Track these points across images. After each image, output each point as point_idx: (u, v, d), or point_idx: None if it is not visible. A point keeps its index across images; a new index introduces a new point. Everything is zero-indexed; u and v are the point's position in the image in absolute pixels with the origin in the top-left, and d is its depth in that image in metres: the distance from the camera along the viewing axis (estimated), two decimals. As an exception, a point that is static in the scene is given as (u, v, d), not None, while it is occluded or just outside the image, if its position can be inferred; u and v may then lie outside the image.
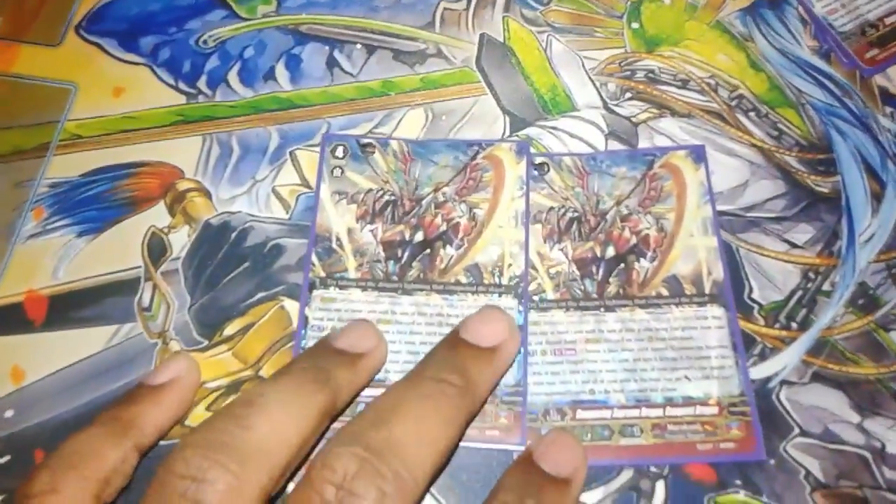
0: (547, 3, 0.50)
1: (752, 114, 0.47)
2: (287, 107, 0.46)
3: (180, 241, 0.43)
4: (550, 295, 0.41)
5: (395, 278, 0.41)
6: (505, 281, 0.41)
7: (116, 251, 0.42)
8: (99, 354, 0.40)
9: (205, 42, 0.48)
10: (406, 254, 0.42)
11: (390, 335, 0.40)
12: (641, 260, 0.42)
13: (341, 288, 0.41)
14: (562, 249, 0.43)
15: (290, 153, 0.45)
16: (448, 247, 0.42)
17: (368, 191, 0.43)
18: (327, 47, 0.48)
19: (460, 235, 0.42)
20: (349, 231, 0.42)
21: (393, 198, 0.43)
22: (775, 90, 0.47)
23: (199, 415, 0.39)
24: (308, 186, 0.44)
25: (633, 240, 0.43)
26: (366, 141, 0.44)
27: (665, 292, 0.41)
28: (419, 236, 0.42)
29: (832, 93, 0.47)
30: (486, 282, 0.41)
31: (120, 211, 0.44)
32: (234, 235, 0.43)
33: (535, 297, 0.41)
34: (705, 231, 0.43)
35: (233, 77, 0.47)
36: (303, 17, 0.49)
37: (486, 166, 0.44)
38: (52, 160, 0.45)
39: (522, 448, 0.38)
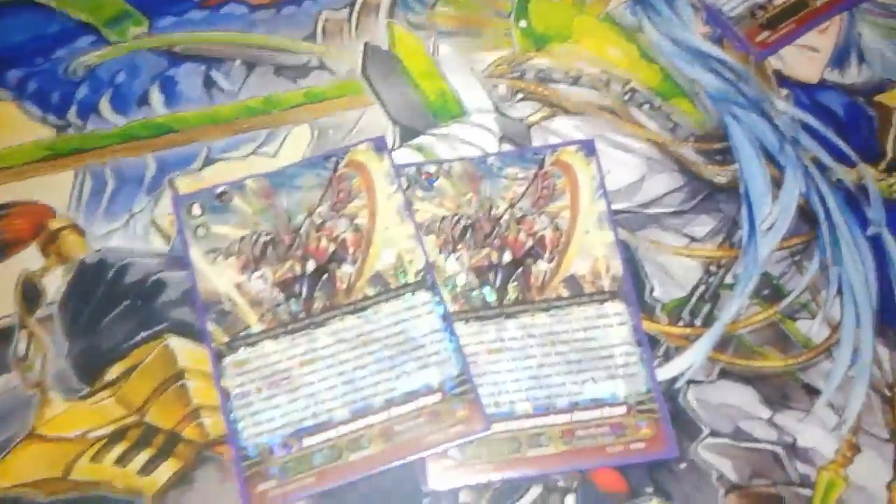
0: (433, 5, 0.48)
1: (645, 106, 0.46)
2: (163, 132, 0.44)
3: (55, 283, 0.41)
4: (450, 306, 0.40)
5: (301, 315, 0.39)
6: (412, 279, 0.40)
7: (-13, 299, 0.40)
8: (-28, 411, 0.38)
9: (74, 71, 0.46)
10: (304, 287, 0.40)
11: (315, 374, 0.38)
12: (539, 262, 0.41)
13: (250, 345, 0.38)
14: (458, 259, 0.41)
15: (169, 181, 0.43)
16: (344, 265, 0.40)
17: (242, 239, 0.41)
18: (203, 66, 0.46)
19: (351, 251, 0.41)
20: (237, 286, 0.40)
21: (269, 237, 0.41)
22: (668, 81, 0.46)
23: (84, 467, 0.37)
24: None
25: (530, 242, 0.42)
26: (220, 190, 0.42)
27: (565, 293, 0.40)
28: (311, 265, 0.40)
29: (726, 79, 0.47)
30: (392, 286, 0.39)
31: (-12, 256, 0.41)
32: (111, 273, 0.41)
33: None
34: (601, 226, 0.42)
35: (104, 105, 0.45)
36: (176, 36, 0.47)
37: (351, 174, 0.42)
38: (-87, 208, 0.42)
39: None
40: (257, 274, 0.40)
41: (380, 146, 0.43)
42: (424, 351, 0.38)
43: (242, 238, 0.41)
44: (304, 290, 0.40)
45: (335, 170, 0.42)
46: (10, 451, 0.37)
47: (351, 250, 0.41)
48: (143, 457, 0.37)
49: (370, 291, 0.40)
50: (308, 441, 0.37)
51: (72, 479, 0.37)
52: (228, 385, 0.38)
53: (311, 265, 0.40)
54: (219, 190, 0.42)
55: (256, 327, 0.39)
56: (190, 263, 0.40)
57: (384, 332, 0.39)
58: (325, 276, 0.40)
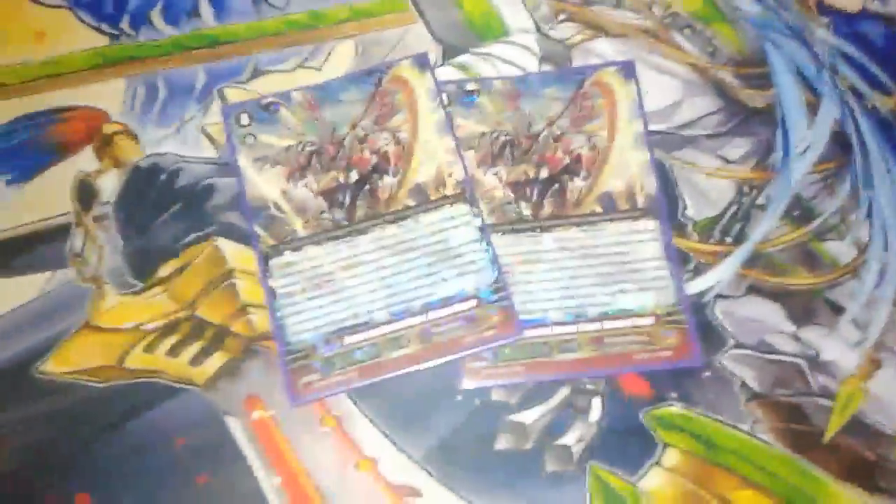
0: (478, -75, 0.49)
1: (686, 30, 0.46)
2: (213, 43, 0.46)
3: (110, 185, 0.42)
4: (487, 219, 0.41)
5: (344, 223, 0.40)
6: (450, 191, 0.41)
7: (45, 198, 0.42)
8: (34, 302, 0.40)
9: (127, -20, 0.47)
10: (347, 196, 0.41)
11: (357, 278, 0.40)
12: (575, 179, 0.42)
13: (295, 250, 0.40)
14: (496, 174, 0.42)
15: (218, 91, 0.44)
16: (385, 176, 0.42)
17: (288, 148, 0.42)
18: (253, -21, 0.47)
19: (392, 163, 0.42)
20: (283, 193, 0.41)
21: (314, 147, 0.42)
22: (709, 5, 0.47)
23: (137, 356, 0.39)
24: (239, 124, 0.43)
25: (567, 159, 0.43)
26: (267, 101, 0.43)
27: (599, 209, 0.41)
28: (354, 175, 0.42)
29: (767, 5, 0.47)
30: (433, 198, 0.41)
31: (47, 157, 0.43)
32: (164, 177, 0.42)
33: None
34: (637, 146, 0.43)
35: (156, 15, 0.46)
36: (227, -50, 0.48)
37: (394, 89, 0.43)
38: (-26, 109, 0.44)
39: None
40: (302, 182, 0.42)
41: (422, 62, 0.44)
42: (462, 260, 0.40)
43: (288, 147, 0.42)
44: (347, 198, 0.41)
45: (379, 85, 0.44)
46: (67, 339, 0.40)
47: (392, 162, 0.42)
48: (193, 348, 0.39)
49: (410, 202, 0.41)
50: (349, 339, 0.39)
51: (126, 368, 0.39)
52: (275, 285, 0.40)
53: (353, 175, 0.42)
54: (266, 100, 0.43)
55: (301, 232, 0.41)
56: (238, 170, 0.42)
57: (424, 241, 0.40)
58: (367, 186, 0.42)
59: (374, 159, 0.42)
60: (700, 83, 0.45)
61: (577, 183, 0.42)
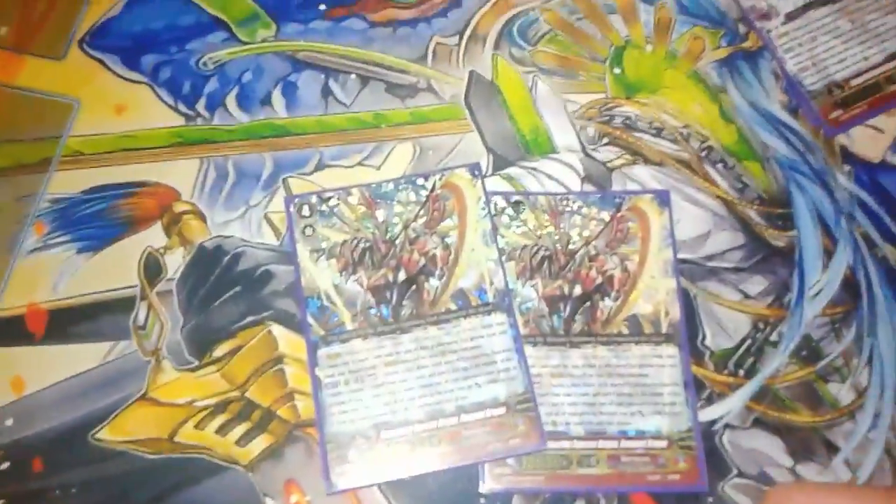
0: (535, 43, 0.52)
1: (719, 165, 0.50)
2: (282, 134, 0.49)
3: (175, 262, 0.45)
4: (521, 329, 0.44)
5: (390, 320, 0.44)
6: (491, 299, 0.44)
7: (114, 269, 0.45)
8: (95, 369, 0.43)
9: (204, 64, 0.50)
10: (394, 295, 0.44)
11: (397, 374, 0.43)
12: (606, 299, 0.46)
13: (343, 342, 0.43)
14: (533, 286, 0.46)
15: (283, 180, 0.48)
16: (431, 278, 0.45)
17: (343, 243, 0.45)
18: (323, 76, 0.50)
19: (439, 266, 0.45)
20: (335, 286, 0.44)
21: (367, 244, 0.45)
22: (743, 142, 0.50)
23: (188, 432, 0.42)
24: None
25: (599, 279, 0.46)
26: (327, 195, 0.46)
27: (626, 330, 0.45)
28: (402, 275, 0.45)
29: (796, 148, 0.50)
30: (473, 304, 0.44)
31: (118, 229, 0.46)
32: (226, 259, 0.45)
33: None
34: (665, 273, 0.46)
35: (231, 101, 0.49)
36: (300, 43, 0.51)
37: (446, 194, 0.47)
38: (54, 175, 0.47)
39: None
40: (354, 277, 0.45)
41: (475, 172, 0.47)
42: (496, 367, 0.43)
43: (344, 242, 0.46)
44: (394, 297, 0.45)
45: (432, 189, 0.47)
46: (125, 409, 0.43)
47: (439, 266, 0.45)
48: (241, 429, 0.43)
49: (452, 306, 0.44)
50: (386, 434, 0.42)
51: (177, 442, 0.42)
52: (321, 374, 0.43)
53: (402, 275, 0.45)
54: (327, 195, 0.46)
55: (349, 325, 0.44)
56: (295, 259, 0.45)
57: (461, 345, 0.44)
58: (414, 286, 0.45)
59: (423, 261, 0.45)
60: (727, 217, 0.48)
61: (608, 303, 0.45)
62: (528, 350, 0.44)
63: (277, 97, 0.50)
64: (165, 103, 0.49)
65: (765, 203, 0.49)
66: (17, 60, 0.50)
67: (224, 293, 0.45)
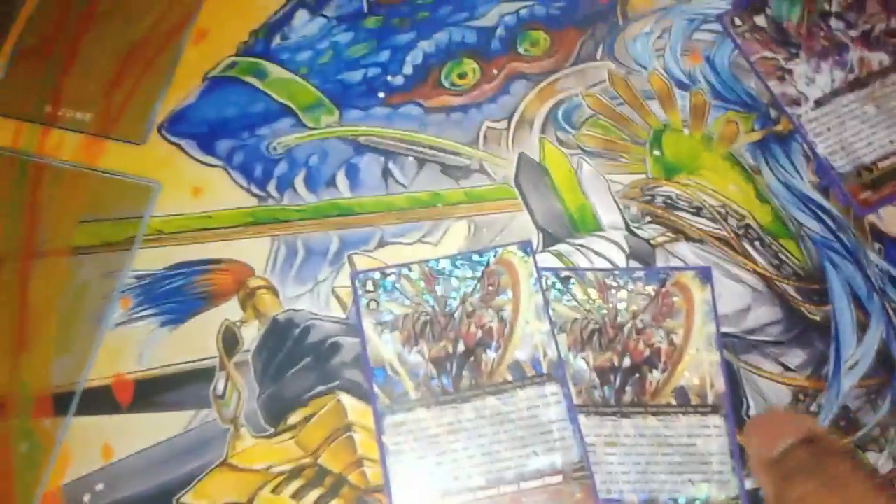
0: (579, 127, 0.56)
1: (757, 243, 0.53)
2: (346, 213, 0.52)
3: (251, 334, 0.49)
4: (574, 399, 0.47)
5: (451, 390, 0.47)
6: (545, 370, 0.47)
7: (195, 341, 0.48)
8: (179, 437, 0.46)
9: (274, 148, 0.54)
10: (454, 365, 0.47)
11: (458, 443, 0.46)
12: (654, 371, 0.48)
13: (407, 410, 0.46)
14: (584, 358, 0.48)
15: (349, 257, 0.51)
16: (488, 350, 0.48)
17: (405, 316, 0.49)
18: (383, 158, 0.54)
19: (495, 339, 0.48)
20: (398, 356, 0.48)
21: (428, 317, 0.49)
22: (778, 221, 0.54)
23: (265, 497, 0.45)
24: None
25: (647, 352, 0.49)
26: (390, 271, 0.50)
27: (674, 401, 0.48)
28: (461, 347, 0.48)
29: (828, 227, 0.53)
30: (528, 375, 0.47)
31: (198, 304, 0.49)
32: (297, 332, 0.49)
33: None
34: (710, 346, 0.49)
35: (299, 183, 0.53)
36: (362, 128, 0.55)
37: (500, 270, 0.50)
38: (137, 253, 0.50)
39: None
40: (416, 348, 0.48)
41: (526, 249, 0.51)
42: (552, 436, 0.46)
43: (406, 315, 0.49)
44: (454, 368, 0.48)
45: (487, 265, 0.50)
46: (207, 474, 0.45)
47: (495, 338, 0.48)
48: (314, 494, 0.45)
49: (509, 377, 0.47)
50: (449, 500, 0.45)
51: (254, 508, 0.45)
52: (387, 441, 0.46)
53: (460, 347, 0.48)
54: (389, 271, 0.50)
55: (413, 395, 0.47)
56: (361, 331, 0.48)
57: (518, 414, 0.46)
58: (472, 358, 0.48)
59: (480, 334, 0.48)
60: (766, 293, 0.51)
61: (656, 374, 0.48)
62: (582, 420, 0.47)
63: (341, 178, 0.53)
64: (239, 185, 0.53)
65: (801, 279, 0.52)
66: (100, 144, 0.54)
67: (296, 364, 0.48)
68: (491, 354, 0.48)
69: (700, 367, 0.48)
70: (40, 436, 0.46)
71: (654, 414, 0.47)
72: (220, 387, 0.47)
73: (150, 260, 0.50)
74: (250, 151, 0.54)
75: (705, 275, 0.51)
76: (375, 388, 0.47)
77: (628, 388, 0.48)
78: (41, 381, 0.47)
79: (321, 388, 0.47)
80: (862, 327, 0.51)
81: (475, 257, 0.50)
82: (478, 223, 0.52)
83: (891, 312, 0.51)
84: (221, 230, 0.51)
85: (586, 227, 0.53)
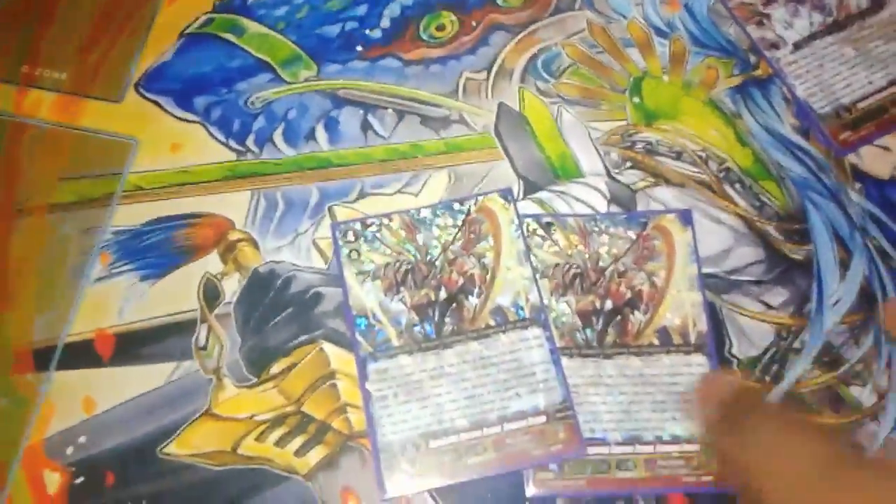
0: (559, 76, 0.56)
1: (737, 185, 0.53)
2: (326, 165, 0.52)
3: (232, 286, 0.48)
4: (557, 342, 0.47)
5: (433, 336, 0.47)
6: (527, 315, 0.47)
7: (176, 294, 0.48)
8: (161, 388, 0.46)
9: (252, 103, 0.54)
10: (436, 313, 0.47)
11: (442, 387, 0.46)
12: (636, 312, 0.48)
13: (390, 357, 0.46)
14: (566, 302, 0.48)
15: (329, 208, 0.51)
16: (470, 297, 0.48)
17: (386, 265, 0.49)
18: (362, 111, 0.54)
19: (477, 285, 0.48)
20: (381, 305, 0.48)
21: (409, 266, 0.49)
22: (759, 164, 0.53)
23: (249, 445, 0.45)
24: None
25: (629, 294, 0.49)
26: (370, 221, 0.50)
27: (656, 342, 0.48)
28: (443, 294, 0.48)
29: (809, 168, 0.53)
30: (511, 320, 0.47)
31: (178, 258, 0.49)
32: (279, 283, 0.49)
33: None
34: (691, 287, 0.49)
35: (278, 137, 0.53)
36: (340, 82, 0.55)
37: (481, 218, 0.50)
38: (117, 209, 0.50)
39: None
40: (398, 297, 0.48)
41: (507, 196, 0.51)
42: (535, 378, 0.46)
43: (387, 264, 0.49)
44: (436, 315, 0.48)
45: (468, 213, 0.50)
46: (190, 424, 0.45)
47: (477, 285, 0.48)
48: (298, 441, 0.45)
49: (491, 322, 0.47)
50: (434, 443, 0.45)
51: (239, 454, 0.45)
52: (371, 388, 0.46)
53: (442, 294, 0.48)
54: (369, 221, 0.50)
55: (395, 342, 0.47)
56: (343, 281, 0.48)
57: (501, 358, 0.46)
58: (454, 304, 0.48)
59: (462, 280, 0.48)
60: (748, 234, 0.51)
61: (638, 316, 0.48)
62: (565, 361, 0.47)
63: (321, 132, 0.53)
64: (217, 140, 0.53)
65: (782, 220, 0.52)
66: (78, 103, 0.53)
67: (278, 314, 0.48)
68: (473, 301, 0.48)
69: (682, 307, 0.48)
70: (22, 391, 0.46)
71: (636, 354, 0.47)
72: (202, 338, 0.47)
73: (130, 216, 0.50)
74: (228, 107, 0.54)
75: (686, 217, 0.51)
76: (358, 337, 0.47)
77: (611, 330, 0.48)
78: (23, 338, 0.47)
79: (304, 337, 0.47)
80: (844, 265, 0.51)
81: (456, 206, 0.50)
82: (458, 173, 0.52)
83: (872, 249, 0.51)
84: (201, 185, 0.51)
85: (567, 173, 0.53)
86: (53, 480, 0.44)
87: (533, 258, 0.49)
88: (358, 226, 0.50)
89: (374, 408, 0.45)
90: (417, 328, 0.47)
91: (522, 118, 0.54)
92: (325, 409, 0.46)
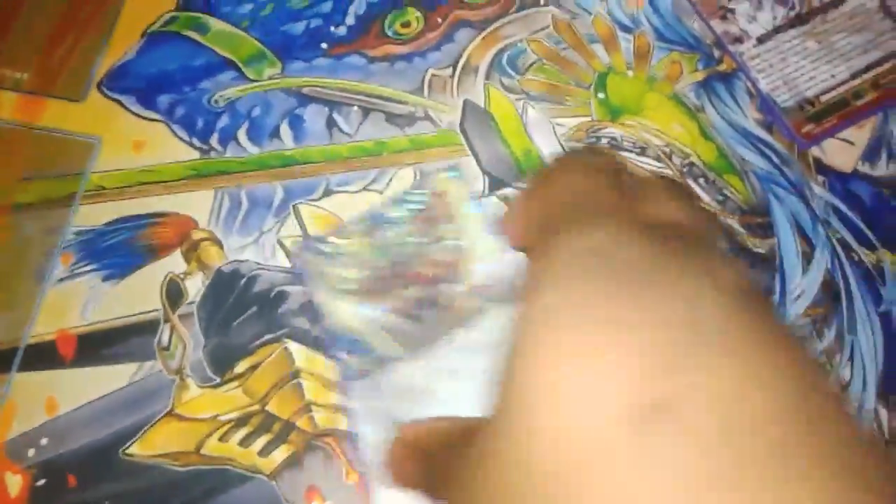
0: (524, 72, 0.56)
1: (701, 180, 0.53)
2: (291, 163, 0.52)
3: (195, 286, 0.48)
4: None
5: (421, 336, 0.45)
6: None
7: (138, 295, 0.48)
8: (124, 389, 0.46)
9: (216, 101, 0.54)
10: (420, 310, 0.46)
11: (442, 383, 0.45)
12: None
13: (381, 368, 0.46)
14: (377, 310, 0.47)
15: (293, 207, 0.51)
16: (450, 284, 0.47)
17: (356, 276, 0.47)
18: (327, 108, 0.54)
19: (453, 270, 0.47)
20: (361, 318, 0.46)
21: (378, 270, 0.47)
22: (722, 158, 0.54)
23: (212, 445, 0.45)
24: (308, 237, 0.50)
25: (432, 271, 0.48)
26: (326, 240, 0.48)
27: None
28: (420, 290, 0.47)
29: (772, 162, 0.54)
30: (497, 293, 0.46)
31: (141, 258, 0.49)
32: (243, 282, 0.48)
33: None
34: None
35: (242, 135, 0.53)
36: (305, 79, 0.55)
37: (434, 203, 0.49)
38: (79, 209, 0.50)
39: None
40: (375, 305, 0.47)
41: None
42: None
43: (356, 275, 0.48)
44: (421, 312, 0.47)
45: (420, 201, 0.50)
46: (153, 425, 0.45)
47: (453, 270, 0.48)
48: (262, 440, 0.45)
49: (478, 303, 0.47)
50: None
51: (203, 454, 0.45)
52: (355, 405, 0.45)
53: (420, 290, 0.48)
54: (326, 240, 0.48)
55: (390, 351, 0.46)
56: (318, 306, 0.47)
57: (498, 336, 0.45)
58: (436, 297, 0.47)
59: (434, 271, 0.48)
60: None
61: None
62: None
63: (285, 130, 0.53)
64: (181, 139, 0.52)
65: (745, 213, 0.52)
66: (39, 103, 0.53)
67: (242, 314, 0.48)
68: (454, 287, 0.47)
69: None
70: (-17, 393, 0.45)
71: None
72: (165, 338, 0.47)
73: (92, 215, 0.50)
74: (192, 105, 0.53)
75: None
76: (344, 356, 0.46)
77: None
78: (-17, 339, 0.47)
79: (268, 336, 0.47)
80: (807, 258, 0.51)
81: (408, 197, 0.50)
82: (424, 170, 0.52)
83: (835, 243, 0.51)
84: (164, 184, 0.51)
85: (532, 169, 0.53)
86: (15, 483, 0.44)
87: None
88: (316, 244, 0.49)
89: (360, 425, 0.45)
90: (404, 331, 0.47)
91: (487, 114, 0.54)
92: (290, 408, 0.46)
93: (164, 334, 0.47)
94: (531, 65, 0.56)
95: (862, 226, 0.52)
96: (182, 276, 0.48)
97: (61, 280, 0.48)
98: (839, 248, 0.51)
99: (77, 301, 0.48)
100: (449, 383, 0.45)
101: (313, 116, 0.54)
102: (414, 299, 0.47)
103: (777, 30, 0.57)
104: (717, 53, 0.57)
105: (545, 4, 0.58)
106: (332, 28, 0.56)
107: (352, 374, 0.45)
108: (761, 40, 0.57)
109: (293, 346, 0.47)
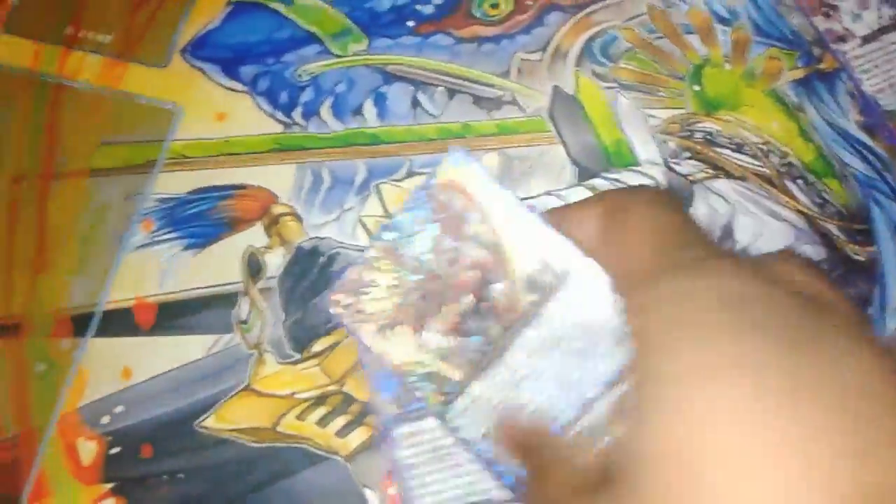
0: (616, 60, 0.54)
1: (799, 181, 0.51)
2: (374, 142, 0.50)
3: (275, 261, 0.47)
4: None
5: (487, 347, 0.41)
6: (559, 268, 0.43)
7: (218, 266, 0.47)
8: (200, 361, 0.45)
9: (300, 75, 0.52)
10: (475, 322, 0.41)
11: (525, 394, 0.41)
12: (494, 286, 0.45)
13: (462, 394, 0.40)
14: (431, 333, 0.43)
15: (375, 186, 0.49)
16: (495, 285, 0.43)
17: (395, 307, 0.39)
18: (412, 88, 0.52)
19: (493, 268, 0.43)
20: (420, 348, 0.40)
21: (416, 291, 0.39)
22: (822, 160, 0.52)
23: (290, 423, 0.43)
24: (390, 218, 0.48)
25: (471, 273, 0.45)
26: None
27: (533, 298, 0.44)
28: (468, 299, 0.42)
29: (874, 166, 0.51)
30: (548, 283, 0.42)
31: (221, 229, 0.48)
32: (322, 260, 0.47)
33: None
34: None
35: (325, 110, 0.51)
36: (390, 57, 0.53)
37: (448, 198, 0.42)
38: (160, 176, 0.49)
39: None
40: (429, 330, 0.43)
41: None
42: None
43: (395, 305, 0.43)
44: (476, 324, 0.44)
45: (434, 199, 0.46)
46: (229, 399, 0.44)
47: (493, 268, 0.45)
48: (340, 421, 0.44)
49: (532, 297, 0.44)
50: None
51: (279, 431, 0.43)
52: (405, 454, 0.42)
53: (467, 299, 0.44)
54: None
55: (458, 376, 0.43)
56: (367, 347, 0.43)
57: (564, 331, 0.42)
58: (486, 302, 0.44)
59: (474, 273, 0.44)
60: (808, 232, 0.49)
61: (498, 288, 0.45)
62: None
63: (369, 107, 0.52)
64: (264, 111, 0.51)
65: (845, 219, 0.50)
66: (121, 67, 0.52)
67: (321, 291, 0.46)
68: (500, 287, 0.44)
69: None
70: (56, 356, 0.44)
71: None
72: (244, 312, 0.46)
73: (174, 183, 0.49)
74: (275, 78, 0.52)
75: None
76: (388, 397, 0.42)
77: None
78: (59, 303, 0.46)
79: (347, 316, 0.45)
80: (908, 268, 0.49)
81: (417, 198, 0.46)
82: (509, 155, 0.51)
83: (938, 254, 0.49)
84: (246, 156, 0.50)
85: (622, 161, 0.51)
86: (89, 449, 0.43)
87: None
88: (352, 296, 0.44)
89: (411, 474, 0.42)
90: (468, 349, 0.43)
91: (577, 102, 0.53)
92: (367, 390, 0.44)
93: (243, 308, 0.46)
94: (624, 53, 0.54)
95: (966, 237, 0.50)
96: (262, 249, 0.47)
97: (141, 247, 0.47)
98: (942, 260, 0.49)
99: (156, 269, 0.47)
100: (534, 389, 0.42)
101: (398, 95, 0.52)
102: (465, 312, 0.43)
103: (883, 30, 0.54)
104: (817, 51, 0.55)
105: (639, -8, 0.56)
106: (419, 6, 0.55)
107: (436, 410, 0.40)
108: (867, 40, 0.54)
109: (373, 328, 0.45)
